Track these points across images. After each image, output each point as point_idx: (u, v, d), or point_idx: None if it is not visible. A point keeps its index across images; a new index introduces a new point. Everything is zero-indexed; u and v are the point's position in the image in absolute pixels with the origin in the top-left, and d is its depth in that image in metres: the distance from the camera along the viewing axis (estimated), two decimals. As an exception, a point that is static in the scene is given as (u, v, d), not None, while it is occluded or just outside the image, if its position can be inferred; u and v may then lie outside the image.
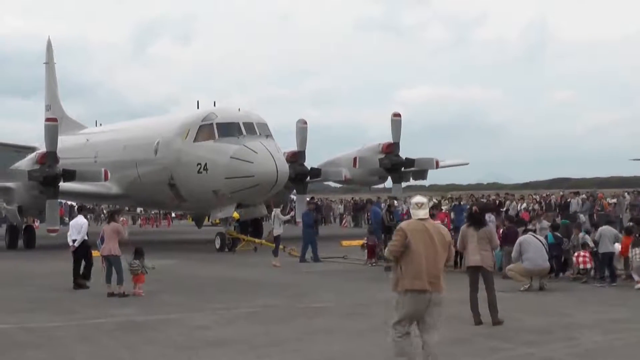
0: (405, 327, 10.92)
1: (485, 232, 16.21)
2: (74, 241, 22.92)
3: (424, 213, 11.07)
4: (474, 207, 24.38)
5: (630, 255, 21.43)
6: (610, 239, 22.28)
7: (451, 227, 27.73)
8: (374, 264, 28.90)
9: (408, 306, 10.85)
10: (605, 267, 22.16)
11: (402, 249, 10.84)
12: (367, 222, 52.78)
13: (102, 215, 69.83)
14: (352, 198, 67.96)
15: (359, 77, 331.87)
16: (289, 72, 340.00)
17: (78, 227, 23.18)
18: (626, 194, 47.85)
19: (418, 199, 11.21)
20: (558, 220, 29.32)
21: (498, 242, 16.91)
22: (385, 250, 11.46)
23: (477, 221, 16.59)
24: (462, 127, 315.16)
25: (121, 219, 24.29)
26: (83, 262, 23.06)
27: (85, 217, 24.62)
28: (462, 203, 47.35)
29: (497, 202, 50.93)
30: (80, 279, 23.04)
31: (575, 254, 22.99)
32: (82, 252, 23.10)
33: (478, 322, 15.79)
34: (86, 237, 23.12)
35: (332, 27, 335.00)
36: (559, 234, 23.85)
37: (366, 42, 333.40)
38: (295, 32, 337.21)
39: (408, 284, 10.81)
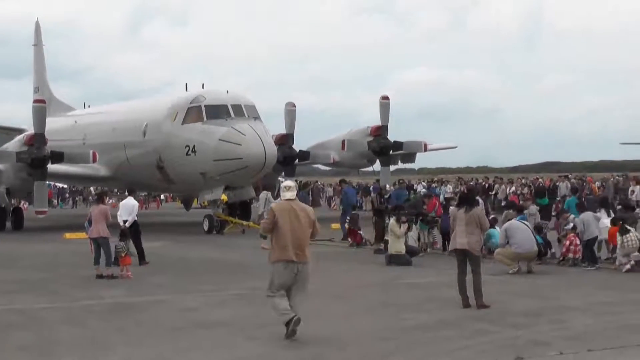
0: (279, 289, 12.84)
1: (474, 214, 16.06)
2: (124, 222, 23.37)
3: (290, 194, 13.13)
4: (463, 188, 24.55)
5: (619, 242, 21.47)
6: (593, 223, 22.42)
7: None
8: (355, 246, 29.01)
9: (278, 273, 12.84)
10: (587, 251, 22.36)
11: (272, 226, 12.83)
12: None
13: (91, 197, 69.87)
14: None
15: (354, 61, 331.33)
16: (284, 56, 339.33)
17: (129, 208, 23.83)
18: (616, 177, 48.10)
19: (286, 183, 13.44)
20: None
21: (488, 224, 16.83)
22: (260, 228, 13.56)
23: (466, 202, 16.44)
24: (455, 111, 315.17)
25: (110, 201, 24.35)
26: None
27: (136, 198, 25.38)
28: (433, 186, 47.56)
29: (487, 185, 51.13)
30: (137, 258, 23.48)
31: (566, 239, 22.98)
32: (134, 231, 23.58)
33: (466, 304, 15.80)
34: (136, 218, 23.73)
35: (328, 10, 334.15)
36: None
37: (362, 25, 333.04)
38: (291, 16, 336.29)
39: (277, 255, 12.84)
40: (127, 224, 23.29)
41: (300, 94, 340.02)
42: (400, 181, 39.71)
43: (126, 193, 26.53)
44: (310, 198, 54.98)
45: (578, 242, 22.57)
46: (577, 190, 29.97)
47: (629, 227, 21.54)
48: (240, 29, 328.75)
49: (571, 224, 23.28)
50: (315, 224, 13.14)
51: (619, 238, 21.37)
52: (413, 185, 49.20)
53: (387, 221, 27.62)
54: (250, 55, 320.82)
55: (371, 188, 44.03)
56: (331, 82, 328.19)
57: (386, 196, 30.37)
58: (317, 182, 72.24)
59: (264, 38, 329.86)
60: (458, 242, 16.14)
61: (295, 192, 13.30)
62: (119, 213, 23.89)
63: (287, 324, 12.66)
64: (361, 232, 29.58)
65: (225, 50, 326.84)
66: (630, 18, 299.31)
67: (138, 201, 27.73)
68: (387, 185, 33.48)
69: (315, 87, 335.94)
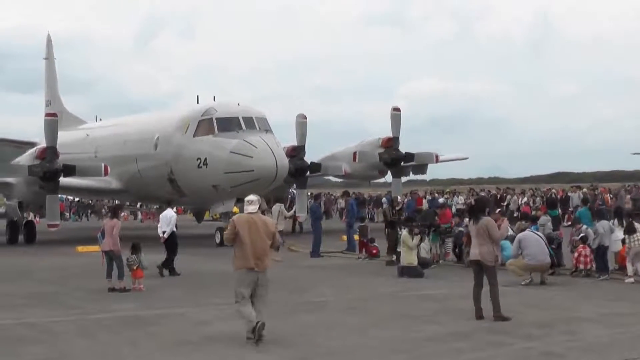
0: (243, 296, 13.86)
1: (482, 225, 16.05)
2: (163, 232, 24.76)
3: (252, 208, 14.24)
4: (472, 200, 24.61)
5: (627, 241, 21.44)
6: (606, 232, 22.37)
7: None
8: (363, 258, 28.97)
9: (240, 280, 13.96)
10: (599, 260, 22.30)
11: (233, 237, 13.97)
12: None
13: (103, 210, 69.89)
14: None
15: (363, 72, 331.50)
16: (292, 66, 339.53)
17: (167, 220, 25.01)
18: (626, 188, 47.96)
19: (249, 197, 14.47)
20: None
21: (498, 234, 16.68)
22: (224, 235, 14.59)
23: (473, 214, 16.56)
24: (465, 121, 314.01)
25: (122, 214, 24.46)
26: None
27: (173, 210, 26.58)
28: (435, 196, 47.63)
29: (498, 196, 51.03)
30: (166, 267, 24.64)
31: (576, 251, 23.01)
32: (172, 242, 24.80)
33: (479, 316, 15.77)
34: (174, 229, 25.01)
35: (336, 21, 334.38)
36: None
37: (370, 36, 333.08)
38: (299, 26, 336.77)
39: (239, 264, 14.00)
40: (165, 235, 24.63)
41: (309, 105, 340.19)
42: (413, 192, 39.66)
43: (165, 206, 28.10)
44: (323, 209, 54.96)
45: (588, 253, 22.56)
46: (588, 201, 29.92)
47: (636, 226, 21.43)
48: (248, 40, 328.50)
49: (581, 234, 23.25)
50: (275, 236, 14.43)
51: (626, 238, 21.35)
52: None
53: (399, 232, 27.65)
54: (259, 66, 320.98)
55: (383, 200, 43.97)
56: (340, 92, 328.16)
57: (398, 207, 30.31)
58: (328, 193, 72.18)
59: (272, 49, 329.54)
60: (472, 253, 16.29)
61: (257, 207, 14.36)
62: (158, 225, 25.32)
63: (254, 330, 13.58)
64: (376, 244, 29.51)
65: (234, 61, 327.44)
66: (638, 27, 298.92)
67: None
68: (399, 197, 33.39)
69: (324, 97, 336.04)
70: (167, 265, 24.69)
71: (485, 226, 16.07)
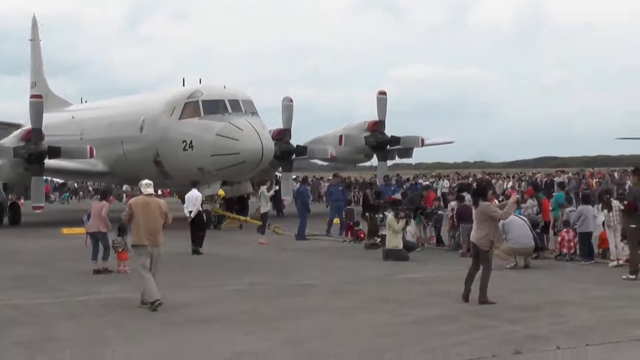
0: (145, 266, 15.76)
1: (480, 209, 16.17)
2: (190, 212, 26.05)
3: (148, 191, 16.12)
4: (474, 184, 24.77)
5: (605, 219, 21.52)
6: (591, 218, 22.42)
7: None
8: (349, 242, 28.99)
9: (138, 255, 15.96)
10: (584, 246, 22.35)
11: (129, 217, 15.82)
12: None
13: (89, 192, 69.71)
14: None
15: (354, 57, 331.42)
16: (284, 51, 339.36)
17: (194, 200, 26.48)
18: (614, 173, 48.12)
19: (144, 181, 16.38)
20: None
21: (498, 214, 16.38)
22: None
23: (475, 197, 16.90)
24: (455, 107, 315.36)
25: (109, 197, 24.40)
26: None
27: (199, 190, 27.73)
28: (417, 182, 47.73)
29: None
30: (195, 247, 25.69)
31: (560, 235, 23.13)
32: (200, 221, 26.17)
33: (465, 297, 15.84)
34: (201, 208, 26.55)
35: (329, 6, 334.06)
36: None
37: (362, 22, 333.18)
38: (291, 11, 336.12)
39: (134, 240, 15.94)
40: (192, 214, 25.91)
41: (298, 89, 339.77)
42: (386, 178, 39.62)
43: (191, 185, 28.40)
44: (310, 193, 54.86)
45: (571, 237, 22.64)
46: (565, 186, 30.07)
47: (613, 203, 21.43)
48: (239, 24, 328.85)
49: (564, 218, 23.37)
50: (167, 215, 16.05)
51: (605, 215, 21.40)
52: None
53: (378, 216, 27.80)
54: (249, 50, 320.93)
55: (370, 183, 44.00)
56: (329, 77, 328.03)
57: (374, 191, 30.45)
58: (314, 177, 72.17)
59: (262, 33, 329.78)
60: (471, 236, 16.57)
61: (152, 189, 16.31)
62: (185, 205, 26.83)
63: (152, 304, 15.35)
64: (361, 228, 29.51)
65: (224, 44, 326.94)
66: (626, 16, 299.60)
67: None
68: (378, 181, 33.48)
69: (313, 82, 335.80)
70: (200, 243, 25.74)
71: (480, 211, 16.15)
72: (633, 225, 19.49)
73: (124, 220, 16.47)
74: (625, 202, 20.12)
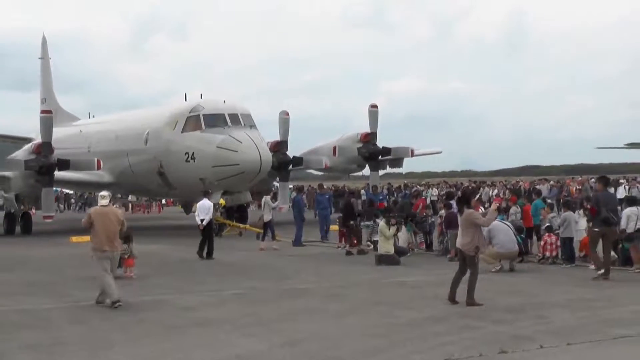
0: (105, 269, 16.51)
1: (464, 217, 16.15)
2: (201, 220, 26.21)
3: (105, 202, 17.11)
4: (459, 193, 24.80)
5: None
6: (573, 224, 22.44)
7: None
8: (343, 247, 28.86)
9: (98, 259, 16.65)
10: (566, 250, 22.38)
11: (89, 225, 16.67)
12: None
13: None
14: (332, 185, 67.87)
15: (346, 70, 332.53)
16: (280, 64, 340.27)
17: (205, 209, 26.56)
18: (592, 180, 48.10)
19: (102, 193, 17.52)
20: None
21: (482, 221, 16.35)
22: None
23: (459, 206, 17.04)
24: (442, 118, 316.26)
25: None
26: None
27: (210, 200, 27.60)
28: (406, 192, 48.01)
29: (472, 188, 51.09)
30: (201, 252, 26.02)
31: (542, 239, 23.17)
32: (209, 230, 26.28)
33: (451, 298, 15.82)
34: (211, 217, 26.66)
35: (323, 22, 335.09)
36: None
37: (354, 37, 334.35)
38: (286, 27, 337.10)
39: (95, 246, 16.66)
40: (204, 223, 26.03)
41: (294, 102, 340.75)
42: (374, 187, 39.89)
43: (202, 195, 28.37)
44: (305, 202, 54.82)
45: (553, 240, 22.69)
46: (541, 193, 30.16)
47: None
48: (238, 40, 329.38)
49: (547, 223, 23.40)
50: (123, 223, 17.01)
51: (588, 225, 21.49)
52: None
53: (364, 223, 27.88)
54: (247, 65, 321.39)
55: (362, 192, 43.99)
56: (324, 90, 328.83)
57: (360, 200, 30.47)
58: (310, 186, 72.16)
59: (261, 49, 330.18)
60: (457, 242, 16.75)
61: (108, 200, 17.30)
62: (196, 213, 26.92)
63: (113, 303, 16.03)
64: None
65: (224, 60, 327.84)
66: (606, 26, 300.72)
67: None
68: (362, 191, 33.63)
69: (308, 95, 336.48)
70: (211, 249, 26.03)
71: (464, 219, 16.14)
72: (596, 229, 19.89)
73: (83, 227, 17.08)
74: (589, 207, 20.44)
